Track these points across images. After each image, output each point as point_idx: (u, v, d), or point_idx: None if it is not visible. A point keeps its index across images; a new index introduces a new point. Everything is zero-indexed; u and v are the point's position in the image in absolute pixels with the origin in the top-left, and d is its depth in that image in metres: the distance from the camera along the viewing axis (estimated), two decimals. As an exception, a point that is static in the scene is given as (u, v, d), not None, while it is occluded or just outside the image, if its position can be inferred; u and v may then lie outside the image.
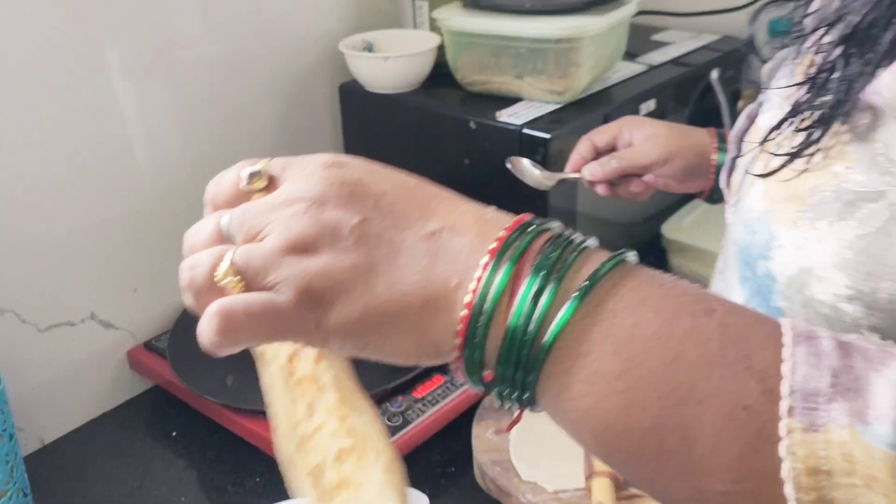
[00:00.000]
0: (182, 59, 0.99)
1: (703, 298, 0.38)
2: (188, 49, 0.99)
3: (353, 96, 1.13)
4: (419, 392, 0.91)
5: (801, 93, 0.47)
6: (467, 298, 0.37)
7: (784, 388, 0.34)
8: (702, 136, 0.83)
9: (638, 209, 1.14)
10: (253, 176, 0.41)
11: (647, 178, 0.82)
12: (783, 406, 0.33)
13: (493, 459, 0.82)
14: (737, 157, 0.59)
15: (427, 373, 0.93)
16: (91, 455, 0.93)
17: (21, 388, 0.90)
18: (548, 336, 0.36)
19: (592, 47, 0.98)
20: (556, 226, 0.39)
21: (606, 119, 0.98)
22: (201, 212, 0.44)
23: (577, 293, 0.36)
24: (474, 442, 0.84)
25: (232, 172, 0.43)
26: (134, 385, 1.02)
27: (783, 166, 0.47)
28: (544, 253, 0.37)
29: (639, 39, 1.23)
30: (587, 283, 0.36)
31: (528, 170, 0.89)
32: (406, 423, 0.87)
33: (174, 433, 0.95)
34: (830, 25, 0.45)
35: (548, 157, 0.95)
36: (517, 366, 0.37)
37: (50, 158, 0.89)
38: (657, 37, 1.26)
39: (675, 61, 1.15)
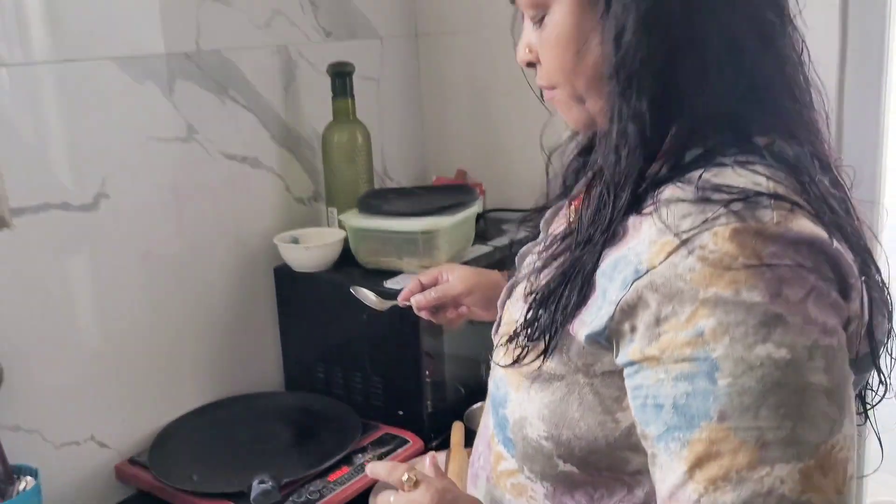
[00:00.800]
0: (160, 255, 1.42)
1: None
2: (165, 247, 1.43)
3: (284, 275, 1.57)
4: (332, 477, 1.29)
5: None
6: None
7: None
8: (496, 275, 1.13)
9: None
10: (408, 479, 0.79)
11: (461, 308, 1.16)
12: None
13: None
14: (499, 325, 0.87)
15: (337, 464, 1.31)
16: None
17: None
18: None
19: (446, 236, 1.46)
20: None
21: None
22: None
23: None
24: (369, 505, 1.21)
25: (399, 471, 0.79)
26: (120, 491, 1.37)
27: (511, 364, 0.76)
28: None
29: (493, 227, 1.72)
30: None
31: (368, 297, 1.23)
32: (321, 497, 1.25)
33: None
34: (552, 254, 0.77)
35: (418, 309, 1.39)
36: None
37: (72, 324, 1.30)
38: (505, 226, 1.75)
39: (513, 243, 1.63)
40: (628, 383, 0.68)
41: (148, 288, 1.40)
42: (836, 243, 0.64)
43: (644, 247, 0.65)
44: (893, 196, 1.51)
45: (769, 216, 0.63)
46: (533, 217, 0.96)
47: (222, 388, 1.53)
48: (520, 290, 0.82)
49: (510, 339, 0.78)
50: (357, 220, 1.49)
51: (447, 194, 1.55)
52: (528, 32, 0.78)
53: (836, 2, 1.37)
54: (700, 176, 0.66)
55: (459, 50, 1.87)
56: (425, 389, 1.45)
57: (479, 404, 1.47)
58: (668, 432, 0.64)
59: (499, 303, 0.90)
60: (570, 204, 0.86)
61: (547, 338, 0.72)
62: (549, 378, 0.74)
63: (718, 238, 0.62)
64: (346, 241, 1.54)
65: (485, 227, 1.70)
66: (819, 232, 0.63)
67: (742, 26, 0.68)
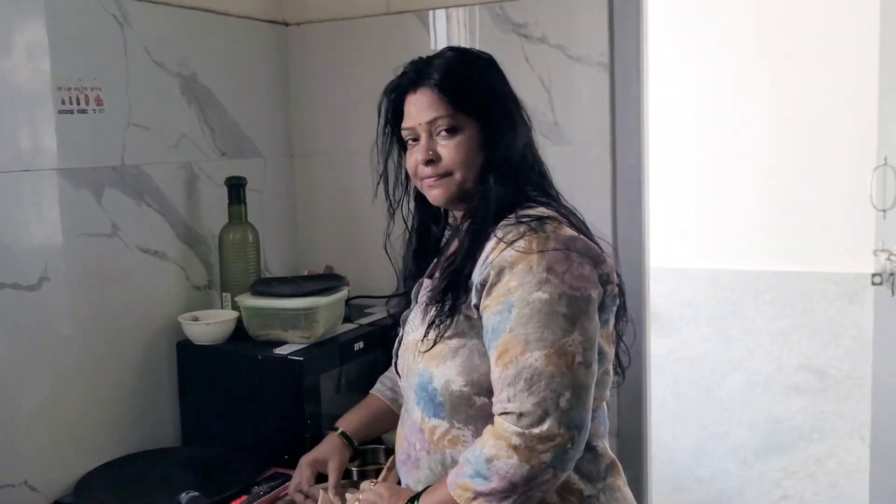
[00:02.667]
0: (86, 327, 1.72)
1: None
2: (90, 321, 1.73)
3: (185, 349, 1.89)
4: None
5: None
6: None
7: None
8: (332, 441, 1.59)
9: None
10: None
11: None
12: None
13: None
14: (397, 362, 1.41)
15: (238, 493, 1.63)
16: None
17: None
18: None
19: (323, 312, 1.85)
20: None
21: (339, 350, 1.83)
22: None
23: None
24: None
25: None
26: (45, 530, 1.62)
27: (429, 350, 1.27)
28: None
29: (356, 311, 2.12)
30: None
31: None
32: (228, 518, 1.56)
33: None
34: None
35: (303, 370, 1.75)
36: None
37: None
38: (367, 310, 2.15)
39: (371, 323, 2.03)
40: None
41: (74, 355, 1.70)
42: (587, 239, 1.23)
43: (488, 252, 1.22)
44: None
45: (550, 227, 1.21)
46: (397, 298, 1.50)
47: (132, 443, 1.81)
48: (416, 321, 1.34)
49: (428, 328, 1.27)
50: (251, 300, 1.85)
51: (321, 281, 1.95)
52: (429, 141, 1.30)
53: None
54: (517, 213, 1.25)
55: (327, 168, 2.31)
56: (307, 434, 1.79)
57: (368, 446, 1.78)
58: (489, 344, 1.20)
59: (395, 347, 1.44)
60: (429, 277, 1.40)
61: (452, 313, 1.25)
62: (455, 350, 1.25)
63: (525, 240, 1.19)
64: (238, 319, 1.89)
65: (349, 311, 2.10)
66: (575, 234, 1.23)
67: (527, 140, 1.33)
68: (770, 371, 4.10)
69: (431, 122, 1.29)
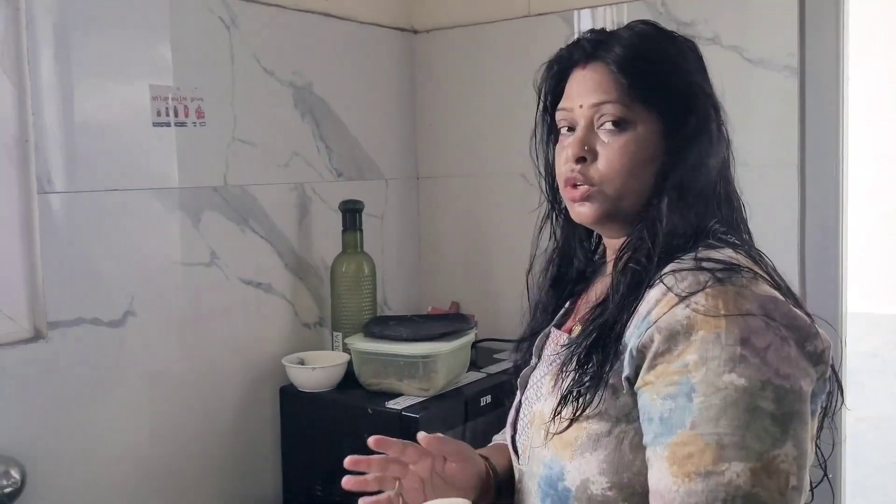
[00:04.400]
0: (176, 371, 1.51)
1: None
2: (181, 364, 1.52)
3: (289, 395, 1.66)
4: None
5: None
6: None
7: None
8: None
9: None
10: None
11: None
12: None
13: None
14: (514, 436, 1.06)
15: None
16: None
17: None
18: None
19: (445, 361, 1.57)
20: None
21: (464, 405, 1.55)
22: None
23: None
24: None
25: None
26: None
27: (563, 431, 0.89)
28: None
29: (484, 356, 1.83)
30: None
31: None
32: None
33: None
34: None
35: (418, 429, 1.48)
36: None
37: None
38: (497, 356, 1.86)
39: (503, 371, 1.74)
40: (638, 406, 0.87)
41: (162, 401, 1.49)
42: (790, 303, 0.85)
43: (651, 305, 0.86)
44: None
45: (742, 281, 0.85)
46: (524, 342, 1.11)
47: (227, 498, 1.59)
48: (545, 388, 0.98)
49: (561, 401, 0.92)
50: (362, 343, 1.60)
51: (445, 322, 1.68)
52: (587, 134, 0.95)
53: (795, 162, 1.56)
54: (696, 255, 0.88)
55: (455, 191, 2.04)
56: (420, 508, 1.51)
57: None
58: (656, 439, 0.83)
59: (509, 420, 1.08)
60: (559, 328, 1.05)
61: (597, 386, 0.89)
62: (597, 438, 0.89)
63: (708, 296, 0.83)
64: (349, 363, 1.64)
65: (476, 356, 1.81)
66: (776, 293, 0.86)
67: (722, 158, 0.97)
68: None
69: (596, 107, 0.95)
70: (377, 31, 1.95)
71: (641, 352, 0.86)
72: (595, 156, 0.95)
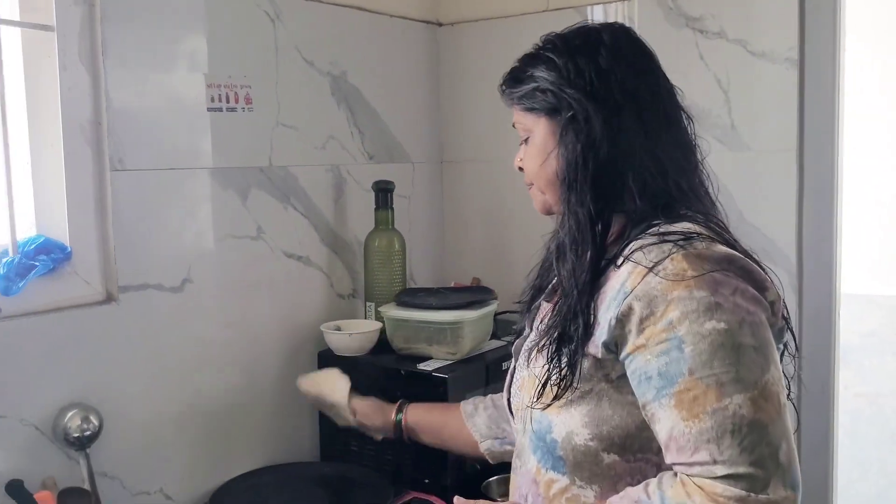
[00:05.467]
0: (226, 336, 1.66)
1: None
2: (230, 329, 1.67)
3: (326, 359, 1.80)
4: (370, 529, 1.49)
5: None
6: None
7: None
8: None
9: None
10: None
11: None
12: None
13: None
14: (509, 399, 1.23)
15: (375, 518, 1.51)
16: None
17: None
18: None
19: (470, 328, 1.71)
20: None
21: (486, 369, 1.69)
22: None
23: None
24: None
25: None
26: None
27: (551, 403, 1.06)
28: None
29: (503, 327, 1.97)
30: None
31: None
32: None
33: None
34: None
35: (447, 389, 1.63)
36: None
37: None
38: (515, 327, 2.00)
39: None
40: (628, 370, 0.98)
41: (214, 360, 1.64)
42: (745, 258, 1.00)
43: (624, 278, 0.99)
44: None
45: (701, 245, 0.99)
46: (521, 311, 1.30)
47: (268, 456, 1.74)
48: (536, 355, 1.12)
49: (542, 386, 1.06)
50: (395, 311, 1.75)
51: (470, 293, 1.82)
52: (522, 148, 1.16)
53: (793, 147, 1.70)
54: (658, 231, 1.02)
55: (477, 175, 2.18)
56: (448, 461, 1.66)
57: (494, 478, 1.67)
58: (658, 393, 0.95)
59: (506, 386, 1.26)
60: (547, 301, 1.20)
61: (573, 369, 1.03)
62: (581, 396, 1.03)
63: (674, 261, 0.97)
64: (382, 331, 1.79)
65: (496, 327, 1.96)
66: (733, 252, 1.00)
67: (665, 139, 1.06)
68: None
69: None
70: (406, 24, 2.09)
71: (621, 320, 0.98)
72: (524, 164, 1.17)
